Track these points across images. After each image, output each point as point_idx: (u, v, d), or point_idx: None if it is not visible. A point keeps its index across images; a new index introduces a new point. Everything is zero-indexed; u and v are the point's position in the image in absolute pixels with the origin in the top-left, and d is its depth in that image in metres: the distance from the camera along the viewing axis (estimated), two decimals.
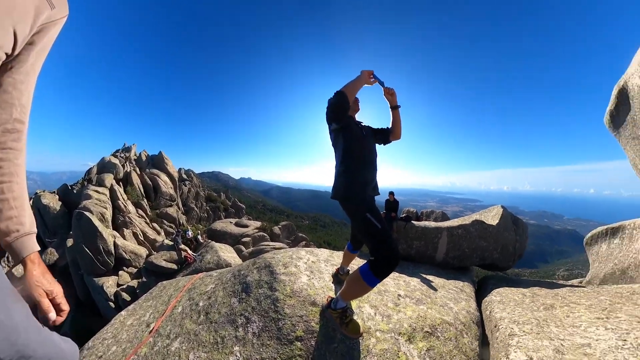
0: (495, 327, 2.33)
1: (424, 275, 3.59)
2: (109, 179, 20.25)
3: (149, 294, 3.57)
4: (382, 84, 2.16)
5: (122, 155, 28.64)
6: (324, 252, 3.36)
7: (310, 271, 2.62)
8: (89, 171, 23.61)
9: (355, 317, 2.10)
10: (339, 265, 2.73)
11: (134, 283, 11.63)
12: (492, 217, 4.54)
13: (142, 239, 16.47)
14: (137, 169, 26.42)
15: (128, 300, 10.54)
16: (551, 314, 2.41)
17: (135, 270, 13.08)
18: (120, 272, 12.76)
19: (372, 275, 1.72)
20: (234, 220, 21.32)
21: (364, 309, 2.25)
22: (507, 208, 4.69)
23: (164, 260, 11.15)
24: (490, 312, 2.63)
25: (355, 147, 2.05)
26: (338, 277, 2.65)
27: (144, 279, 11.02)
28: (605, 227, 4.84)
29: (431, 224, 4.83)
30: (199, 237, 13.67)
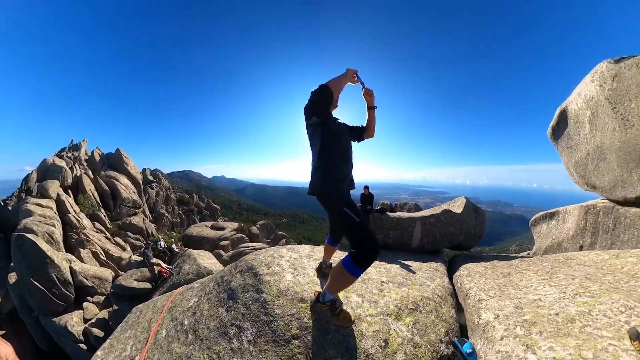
0: (466, 295, 2.73)
1: (403, 261, 3.87)
2: (54, 187, 16.58)
3: (125, 324, 3.26)
4: (363, 84, 2.23)
5: (70, 155, 23.76)
6: (305, 248, 3.36)
7: (294, 268, 2.60)
8: (26, 178, 18.97)
9: (344, 307, 2.15)
10: (321, 260, 2.76)
11: (104, 314, 9.76)
12: (457, 206, 5.12)
13: (105, 258, 13.87)
14: (90, 172, 21.94)
15: (101, 336, 8.81)
16: (508, 280, 2.87)
17: (102, 298, 10.89)
18: (85, 305, 10.45)
19: (355, 267, 1.78)
20: (209, 224, 19.64)
21: (351, 298, 2.32)
22: (469, 198, 5.32)
23: (135, 280, 9.68)
24: (460, 284, 3.04)
25: (333, 142, 2.05)
26: (322, 271, 2.67)
27: (116, 307, 9.39)
28: (545, 212, 6.12)
29: (405, 214, 5.22)
30: (173, 246, 12.22)
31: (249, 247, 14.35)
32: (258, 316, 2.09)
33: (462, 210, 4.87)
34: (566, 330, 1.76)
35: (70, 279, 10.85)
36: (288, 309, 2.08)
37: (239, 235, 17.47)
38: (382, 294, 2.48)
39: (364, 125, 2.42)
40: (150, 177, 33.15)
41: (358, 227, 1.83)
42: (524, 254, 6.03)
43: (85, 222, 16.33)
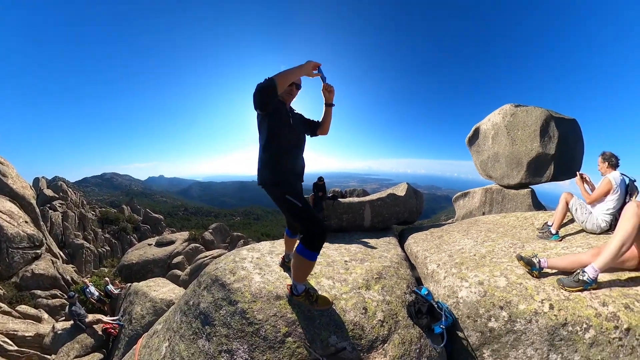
0: (415, 256, 3.48)
1: (359, 240, 4.29)
2: None
3: None
4: (324, 79, 2.09)
5: None
6: (265, 245, 3.28)
7: (260, 268, 2.51)
8: None
9: (319, 292, 2.21)
10: (284, 253, 2.71)
11: None
12: (400, 190, 6.03)
13: (15, 348, 8.26)
14: None
15: None
16: (442, 240, 3.75)
17: None
18: None
19: (308, 251, 1.82)
20: (153, 240, 15.39)
21: (322, 282, 2.40)
22: (410, 184, 6.44)
23: (77, 357, 6.56)
24: (410, 249, 3.80)
25: (281, 132, 1.98)
26: (286, 264, 2.62)
27: None
28: (462, 192, 8.93)
29: (355, 199, 5.82)
30: (110, 287, 8.99)
31: (207, 257, 12.41)
32: (243, 330, 1.97)
33: (404, 193, 5.80)
34: (482, 263, 2.56)
35: None
36: (269, 310, 2.03)
37: (193, 245, 14.46)
38: (348, 272, 2.64)
39: (319, 120, 2.34)
40: (50, 192, 22.26)
41: (302, 212, 1.88)
42: (450, 221, 7.90)
43: None
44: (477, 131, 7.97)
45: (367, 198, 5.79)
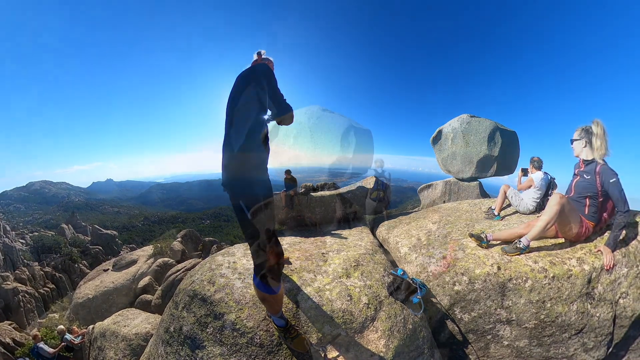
0: (388, 242, 3.84)
1: (333, 232, 4.45)
2: None
3: None
4: None
5: None
6: (239, 248, 3.22)
7: (239, 273, 2.44)
8: None
9: (302, 286, 2.19)
10: None
11: None
12: (369, 183, 6.49)
13: None
14: None
15: None
16: (410, 226, 4.16)
17: None
18: None
19: (263, 285, 1.60)
20: (109, 264, 12.73)
21: (304, 276, 2.44)
22: (377, 177, 6.83)
23: None
24: (382, 237, 4.16)
25: (264, 121, 1.72)
26: None
27: None
28: (426, 184, 10.23)
29: (327, 193, 6.04)
30: (68, 337, 7.28)
31: (179, 271, 10.92)
32: (236, 343, 1.89)
33: (372, 185, 6.23)
34: (445, 242, 3.00)
35: None
36: (257, 315, 1.98)
37: (161, 261, 12.35)
38: (327, 264, 2.72)
39: None
40: None
41: (249, 226, 1.57)
42: (416, 209, 8.95)
43: None
44: (440, 133, 9.45)
45: (338, 191, 6.06)
